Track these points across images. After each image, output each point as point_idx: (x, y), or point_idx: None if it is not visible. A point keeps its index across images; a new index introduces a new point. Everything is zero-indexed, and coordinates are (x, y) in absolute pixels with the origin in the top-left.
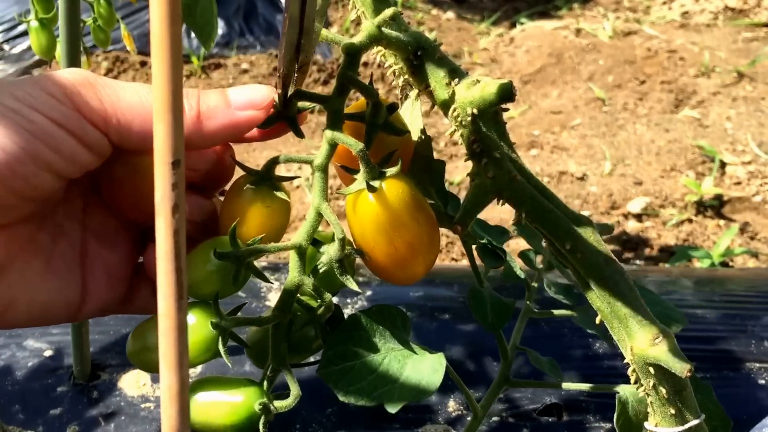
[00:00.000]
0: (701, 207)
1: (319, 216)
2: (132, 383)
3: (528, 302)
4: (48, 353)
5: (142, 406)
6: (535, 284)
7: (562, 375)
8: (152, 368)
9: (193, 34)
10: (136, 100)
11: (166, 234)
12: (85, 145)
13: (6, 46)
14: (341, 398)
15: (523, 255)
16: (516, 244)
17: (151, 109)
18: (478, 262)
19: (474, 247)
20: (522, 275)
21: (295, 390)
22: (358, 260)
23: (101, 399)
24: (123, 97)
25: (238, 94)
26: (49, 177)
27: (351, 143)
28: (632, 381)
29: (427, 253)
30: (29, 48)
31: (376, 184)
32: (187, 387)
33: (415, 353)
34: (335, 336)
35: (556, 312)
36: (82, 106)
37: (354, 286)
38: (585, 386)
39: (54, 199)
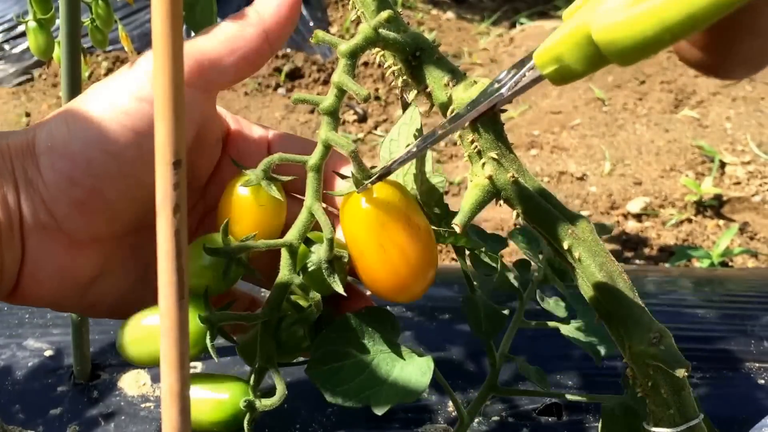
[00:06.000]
0: (701, 207)
1: (312, 216)
2: (132, 383)
3: (519, 313)
4: (48, 353)
5: (142, 405)
6: (528, 295)
7: (549, 384)
8: (142, 360)
9: (192, 34)
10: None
11: (166, 234)
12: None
13: (6, 46)
14: (328, 399)
15: (518, 265)
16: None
17: (234, 42)
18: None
19: (467, 254)
20: (516, 285)
21: (281, 388)
22: None
23: (101, 399)
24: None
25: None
26: None
27: (343, 144)
28: (630, 381)
29: (423, 266)
30: (29, 48)
31: (366, 185)
32: (188, 387)
33: (403, 356)
34: (325, 336)
35: (549, 324)
36: None
37: (340, 289)
38: (568, 396)
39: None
